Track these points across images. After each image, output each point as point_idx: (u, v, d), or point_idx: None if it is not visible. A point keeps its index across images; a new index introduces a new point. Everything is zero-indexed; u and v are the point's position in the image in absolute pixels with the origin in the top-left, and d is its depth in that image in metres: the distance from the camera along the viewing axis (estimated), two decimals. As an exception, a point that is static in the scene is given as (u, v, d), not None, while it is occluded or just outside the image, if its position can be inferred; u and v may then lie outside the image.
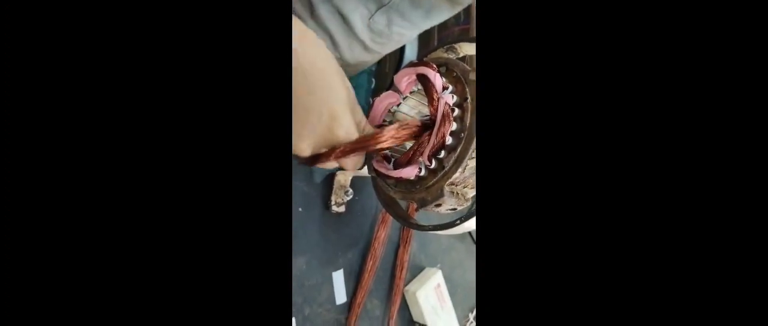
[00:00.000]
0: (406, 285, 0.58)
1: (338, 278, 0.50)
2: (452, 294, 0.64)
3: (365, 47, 0.58)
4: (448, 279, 0.64)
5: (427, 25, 0.56)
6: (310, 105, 0.29)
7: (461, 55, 0.37)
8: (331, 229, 0.50)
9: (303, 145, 0.30)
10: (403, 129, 0.31)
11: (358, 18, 0.52)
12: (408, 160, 0.31)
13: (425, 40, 0.95)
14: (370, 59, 0.66)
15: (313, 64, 0.29)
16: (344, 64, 0.62)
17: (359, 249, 0.53)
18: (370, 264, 0.52)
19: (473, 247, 0.73)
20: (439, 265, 0.64)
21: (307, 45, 0.29)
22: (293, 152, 0.31)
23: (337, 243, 0.50)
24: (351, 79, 0.72)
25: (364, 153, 0.32)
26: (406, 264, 0.57)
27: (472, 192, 0.33)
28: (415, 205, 0.34)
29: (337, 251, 0.50)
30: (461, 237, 0.71)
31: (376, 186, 0.39)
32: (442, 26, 0.82)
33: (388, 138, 0.31)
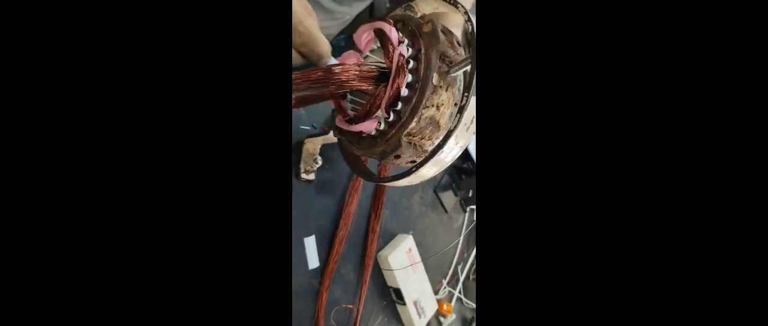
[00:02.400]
0: (378, 251, 0.60)
1: (310, 243, 0.51)
2: (424, 259, 0.66)
3: (329, 12, 0.58)
4: (420, 245, 0.66)
5: None
6: None
7: (419, 13, 0.38)
8: (302, 197, 0.51)
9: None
10: (363, 66, 0.32)
11: None
12: (366, 112, 0.32)
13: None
14: (335, 26, 0.64)
15: None
16: None
17: (331, 217, 0.54)
18: (342, 230, 0.53)
19: (444, 214, 0.75)
20: (411, 232, 0.66)
21: None
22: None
23: (307, 210, 0.51)
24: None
25: (329, 84, 0.32)
26: (378, 231, 0.59)
27: (429, 144, 0.34)
28: (377, 160, 0.35)
29: (308, 218, 0.51)
30: (432, 205, 0.73)
31: (341, 147, 0.40)
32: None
33: (351, 68, 0.31)
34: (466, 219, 0.80)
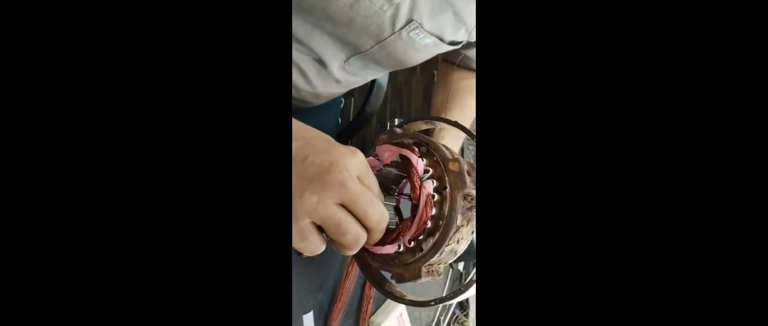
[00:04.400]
0: (371, 315, 0.61)
1: (308, 321, 0.51)
2: (414, 317, 0.67)
3: (337, 82, 0.58)
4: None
5: (401, 68, 0.57)
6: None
7: (438, 128, 0.39)
8: (302, 273, 0.51)
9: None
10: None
11: (334, 61, 0.52)
12: (391, 240, 0.33)
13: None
14: (342, 90, 0.66)
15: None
16: (314, 94, 0.62)
17: (329, 289, 0.54)
18: (339, 303, 0.54)
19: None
20: (403, 290, 0.67)
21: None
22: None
23: (307, 286, 0.51)
24: (321, 107, 0.72)
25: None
26: (372, 299, 0.60)
27: (444, 267, 0.35)
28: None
29: (307, 294, 0.51)
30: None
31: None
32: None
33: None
34: (450, 272, 0.82)
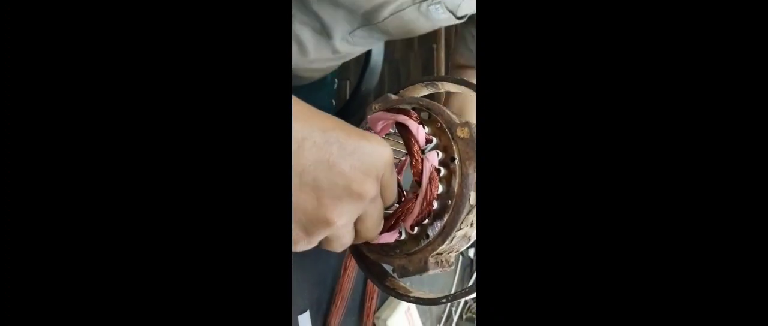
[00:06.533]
0: (376, 311, 0.55)
1: (304, 321, 0.45)
2: (423, 309, 0.62)
3: (335, 52, 0.54)
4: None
5: (405, 37, 0.54)
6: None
7: (442, 89, 0.33)
8: (295, 268, 0.45)
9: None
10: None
11: (338, 32, 0.48)
12: (389, 226, 0.27)
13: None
14: (337, 63, 0.62)
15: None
16: (309, 69, 0.57)
17: (327, 286, 0.49)
18: (338, 300, 0.48)
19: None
20: (408, 284, 0.62)
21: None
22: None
23: (301, 283, 0.46)
24: (311, 87, 0.67)
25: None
26: (376, 293, 0.54)
27: (455, 254, 0.29)
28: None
29: (301, 291, 0.46)
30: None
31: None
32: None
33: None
34: (460, 261, 0.77)
